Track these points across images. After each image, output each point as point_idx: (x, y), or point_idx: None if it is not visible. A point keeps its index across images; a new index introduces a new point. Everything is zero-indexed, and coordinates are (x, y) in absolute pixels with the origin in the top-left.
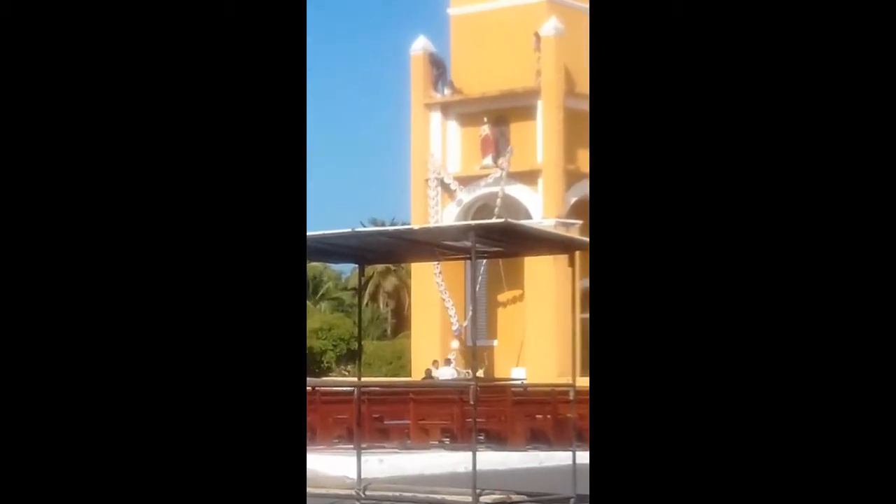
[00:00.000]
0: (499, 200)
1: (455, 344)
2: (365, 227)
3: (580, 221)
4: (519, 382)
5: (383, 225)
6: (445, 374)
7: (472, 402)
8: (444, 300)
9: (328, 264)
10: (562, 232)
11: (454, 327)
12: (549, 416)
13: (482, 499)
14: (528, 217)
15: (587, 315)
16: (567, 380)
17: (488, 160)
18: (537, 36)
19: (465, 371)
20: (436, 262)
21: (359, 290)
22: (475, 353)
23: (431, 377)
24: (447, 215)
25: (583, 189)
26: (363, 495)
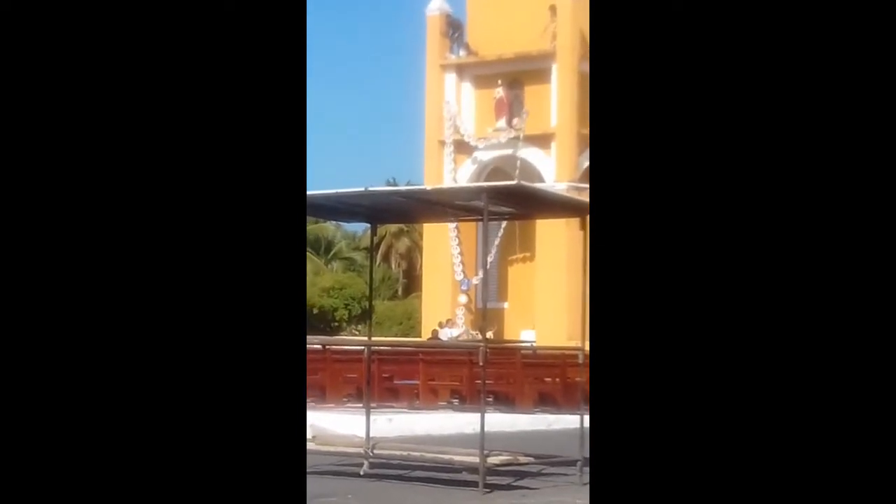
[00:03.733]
0: (518, 164)
1: (463, 299)
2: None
3: None
4: (528, 345)
5: (398, 186)
6: (448, 334)
7: (481, 364)
8: (453, 256)
9: (342, 224)
10: (574, 196)
11: (459, 278)
12: (557, 380)
13: (490, 459)
14: (541, 180)
15: None
16: (576, 343)
17: (502, 123)
18: (553, 9)
19: (472, 332)
20: (452, 223)
21: (370, 250)
22: (485, 315)
23: (438, 338)
24: (461, 176)
25: None
26: (371, 454)
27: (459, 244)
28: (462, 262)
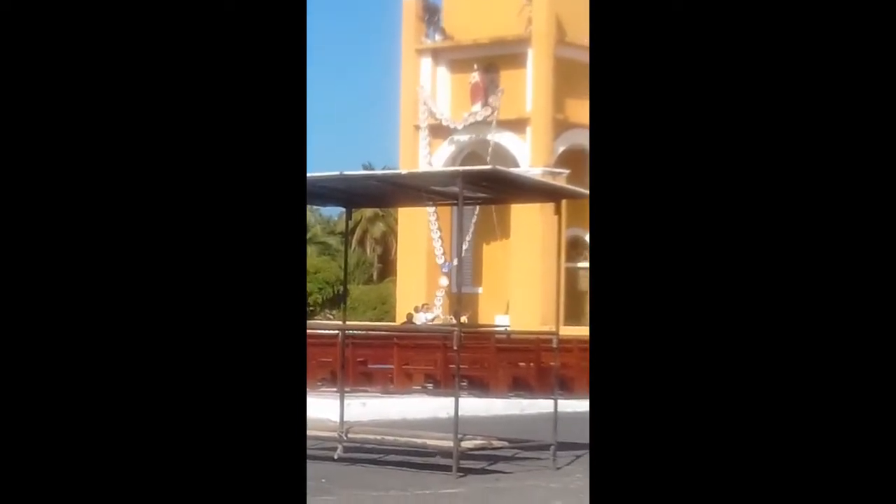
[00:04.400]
0: (490, 146)
1: (444, 281)
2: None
3: (567, 170)
4: (502, 330)
5: (373, 170)
6: (423, 319)
7: (455, 349)
8: (433, 238)
9: (317, 208)
10: (549, 180)
11: (440, 262)
12: (531, 364)
13: (463, 444)
14: (516, 165)
15: (571, 264)
16: (550, 328)
17: (477, 107)
18: None
19: (445, 317)
20: (431, 207)
21: (345, 234)
22: (460, 300)
23: (412, 322)
24: (436, 161)
25: (571, 138)
26: (345, 438)
27: (439, 228)
28: (442, 245)
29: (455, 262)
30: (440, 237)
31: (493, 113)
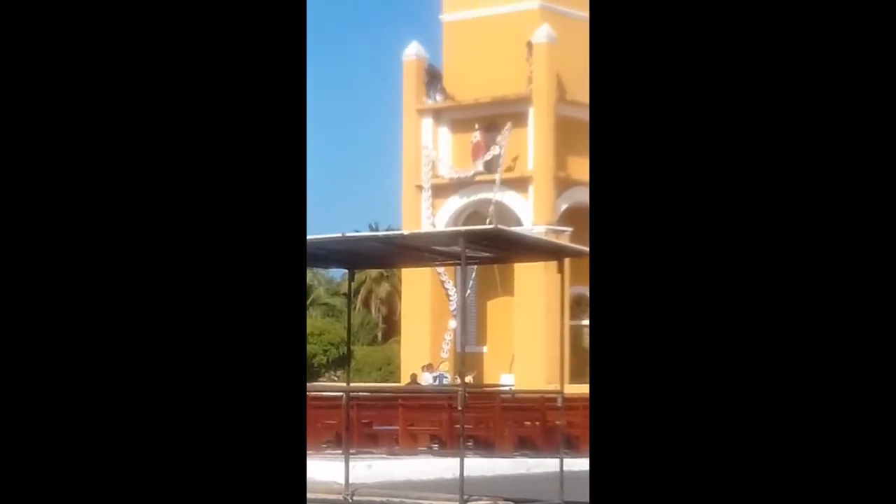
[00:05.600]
0: (493, 204)
1: (453, 323)
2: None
3: (570, 228)
4: (507, 389)
5: (379, 230)
6: (428, 379)
7: (460, 409)
8: (444, 285)
9: (321, 270)
10: (552, 239)
11: (452, 307)
12: (537, 423)
13: None
14: (519, 224)
15: (576, 322)
16: (555, 386)
17: (479, 166)
18: (530, 46)
19: (449, 377)
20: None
21: (348, 295)
22: (464, 359)
23: (417, 382)
24: (439, 220)
25: (573, 196)
26: (351, 500)
27: (440, 292)
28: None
29: (457, 322)
30: (453, 285)
31: (501, 152)
